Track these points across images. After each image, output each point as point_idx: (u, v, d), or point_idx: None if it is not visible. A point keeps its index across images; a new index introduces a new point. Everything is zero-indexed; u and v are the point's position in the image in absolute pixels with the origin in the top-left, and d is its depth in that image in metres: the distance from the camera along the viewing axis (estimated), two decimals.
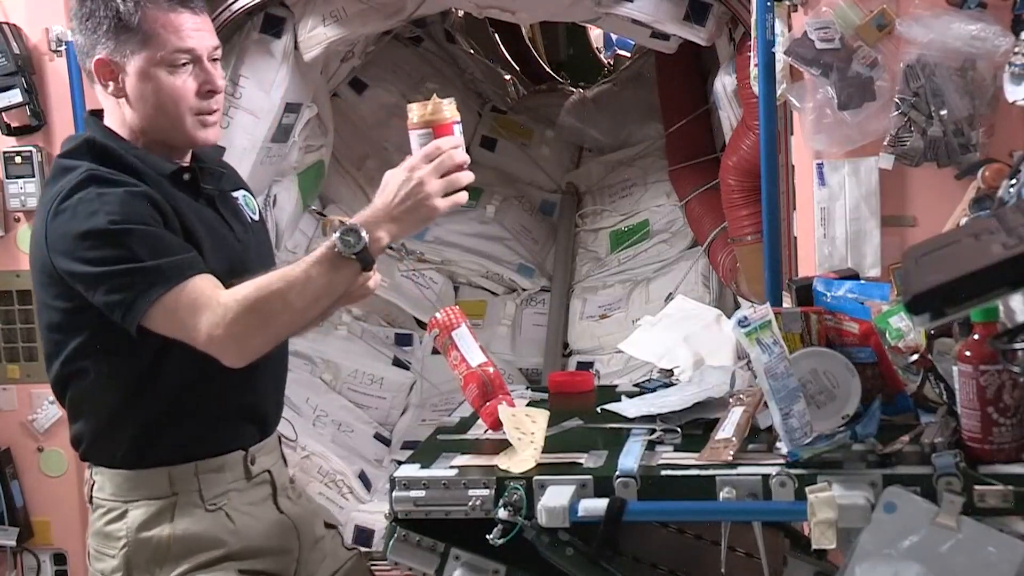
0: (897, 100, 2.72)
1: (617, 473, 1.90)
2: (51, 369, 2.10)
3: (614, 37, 6.74)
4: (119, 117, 2.11)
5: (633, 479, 1.89)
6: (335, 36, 3.78)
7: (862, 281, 2.31)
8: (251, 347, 1.95)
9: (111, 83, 2.08)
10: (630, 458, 1.95)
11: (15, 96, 3.30)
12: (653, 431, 2.10)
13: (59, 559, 3.48)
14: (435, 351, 4.25)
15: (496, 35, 6.37)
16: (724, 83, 3.68)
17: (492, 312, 4.79)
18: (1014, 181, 2.26)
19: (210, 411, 2.09)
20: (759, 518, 1.97)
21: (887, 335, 2.07)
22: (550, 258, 4.95)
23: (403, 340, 4.72)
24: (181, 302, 1.93)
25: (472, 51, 5.86)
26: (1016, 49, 2.59)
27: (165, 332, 1.95)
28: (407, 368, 4.60)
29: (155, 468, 2.07)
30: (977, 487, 1.78)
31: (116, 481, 2.08)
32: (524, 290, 4.84)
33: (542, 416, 2.16)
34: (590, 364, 4.44)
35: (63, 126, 3.32)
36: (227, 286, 1.96)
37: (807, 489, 1.81)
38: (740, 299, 4.07)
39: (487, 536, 1.88)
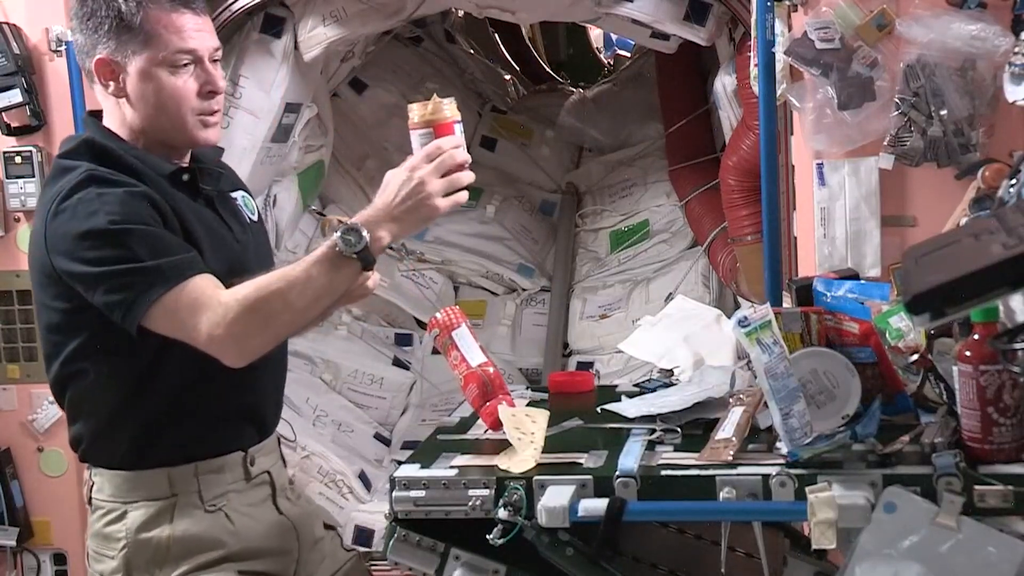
0: (897, 100, 2.72)
1: (617, 473, 1.90)
2: (50, 370, 2.10)
3: (614, 37, 6.74)
4: (119, 117, 2.11)
5: (633, 479, 1.89)
6: (335, 36, 3.78)
7: (862, 281, 2.31)
8: (252, 347, 1.95)
9: (111, 83, 2.08)
10: (630, 458, 1.95)
11: (15, 96, 3.30)
12: (653, 431, 2.10)
13: (59, 559, 3.48)
14: (435, 351, 4.25)
15: (496, 35, 6.37)
16: (724, 83, 3.68)
17: (492, 312, 4.79)
18: (1014, 181, 2.26)
19: (210, 412, 2.09)
20: (759, 518, 1.97)
21: (887, 335, 2.07)
22: (550, 258, 4.95)
23: (403, 340, 4.72)
24: (181, 302, 1.92)
25: (472, 51, 5.86)
26: (1016, 49, 2.59)
27: (165, 332, 1.95)
28: (407, 368, 4.60)
29: (155, 469, 2.06)
30: (977, 487, 1.78)
31: (115, 482, 2.08)
32: (524, 290, 4.84)
33: (542, 416, 2.16)
34: (590, 364, 4.44)
35: (63, 126, 3.32)
36: (226, 286, 1.95)
37: (807, 489, 1.81)
38: (740, 299, 4.07)
39: (487, 536, 1.88)
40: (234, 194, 2.25)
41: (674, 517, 2.12)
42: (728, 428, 2.01)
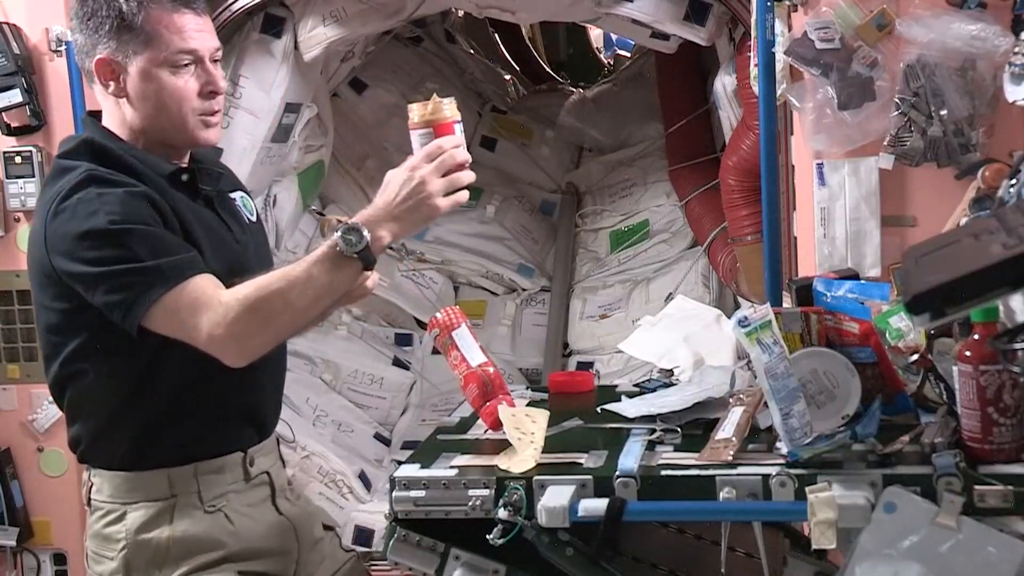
0: (897, 100, 2.72)
1: (617, 473, 1.90)
2: (49, 370, 2.10)
3: (614, 37, 6.74)
4: (118, 117, 2.11)
5: (633, 479, 1.89)
6: (335, 36, 3.78)
7: (862, 281, 2.31)
8: (252, 346, 1.95)
9: (112, 83, 2.08)
10: (630, 458, 1.95)
11: (15, 96, 3.30)
12: (653, 431, 2.10)
13: (59, 559, 3.48)
14: (435, 351, 4.25)
15: (496, 35, 6.36)
16: (724, 83, 3.68)
17: (492, 312, 4.79)
18: (1014, 181, 2.26)
19: (209, 412, 2.09)
20: (759, 518, 1.97)
21: (887, 335, 2.07)
22: (550, 258, 4.95)
23: (403, 340, 4.72)
24: (182, 302, 1.92)
25: (472, 51, 5.86)
26: (1016, 49, 2.59)
27: (166, 332, 1.95)
28: (407, 368, 4.60)
29: (154, 470, 2.06)
30: (977, 487, 1.78)
31: (115, 483, 2.08)
32: (524, 290, 4.84)
33: (542, 416, 2.16)
34: (590, 364, 4.43)
35: (63, 126, 3.32)
36: (226, 287, 1.95)
37: (807, 489, 1.81)
38: (740, 299, 4.07)
39: (487, 536, 1.87)
40: (233, 194, 2.25)
41: (674, 517, 2.12)
42: (728, 428, 2.01)
